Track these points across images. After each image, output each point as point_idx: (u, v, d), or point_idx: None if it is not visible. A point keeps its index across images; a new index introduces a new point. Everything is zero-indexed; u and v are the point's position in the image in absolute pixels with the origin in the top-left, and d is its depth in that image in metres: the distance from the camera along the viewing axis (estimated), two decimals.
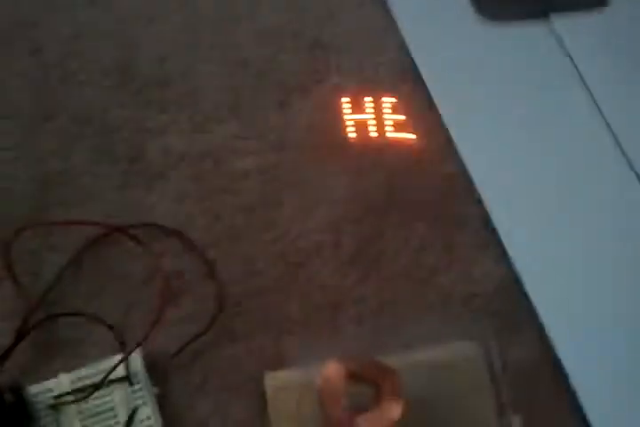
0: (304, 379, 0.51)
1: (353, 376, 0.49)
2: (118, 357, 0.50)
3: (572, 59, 0.70)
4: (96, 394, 0.49)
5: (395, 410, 0.48)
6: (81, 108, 0.63)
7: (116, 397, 0.49)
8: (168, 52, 0.66)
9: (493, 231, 0.61)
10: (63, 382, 0.50)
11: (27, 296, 0.53)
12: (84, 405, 0.49)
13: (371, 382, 0.49)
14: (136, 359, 0.50)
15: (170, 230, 0.57)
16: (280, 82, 0.66)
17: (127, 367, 0.49)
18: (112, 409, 0.49)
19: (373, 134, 0.63)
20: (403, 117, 0.63)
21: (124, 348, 0.50)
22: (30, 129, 0.61)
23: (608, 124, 0.66)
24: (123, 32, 0.67)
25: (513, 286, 0.59)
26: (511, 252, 0.60)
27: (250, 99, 0.65)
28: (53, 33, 0.66)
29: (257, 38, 0.68)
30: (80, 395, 0.49)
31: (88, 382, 0.49)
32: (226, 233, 0.58)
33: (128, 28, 0.67)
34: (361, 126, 0.63)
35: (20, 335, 0.50)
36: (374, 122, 0.64)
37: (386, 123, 0.64)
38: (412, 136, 0.63)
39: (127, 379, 0.49)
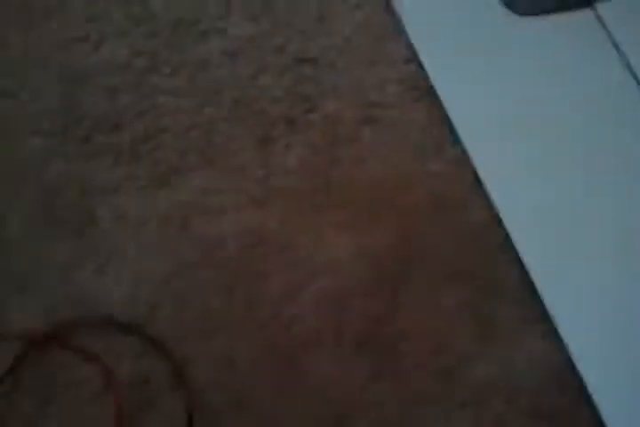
0: None
1: None
2: None
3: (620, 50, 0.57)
4: None
5: None
6: (16, 161, 0.51)
7: None
8: (120, 83, 0.54)
9: (538, 299, 0.48)
10: None
11: None
12: None
13: None
14: None
15: (126, 326, 0.46)
16: (261, 112, 0.54)
17: None
18: None
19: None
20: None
21: None
22: None
23: None
24: (64, 60, 0.55)
25: (569, 376, 0.47)
26: (563, 327, 0.47)
27: (223, 137, 0.54)
28: None
29: (230, 56, 0.56)
30: None
31: None
32: (198, 323, 0.48)
33: (70, 55, 0.55)
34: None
35: None
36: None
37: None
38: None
39: None
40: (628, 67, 0.58)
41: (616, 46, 0.59)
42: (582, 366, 0.47)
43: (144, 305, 0.48)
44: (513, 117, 0.55)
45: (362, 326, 0.49)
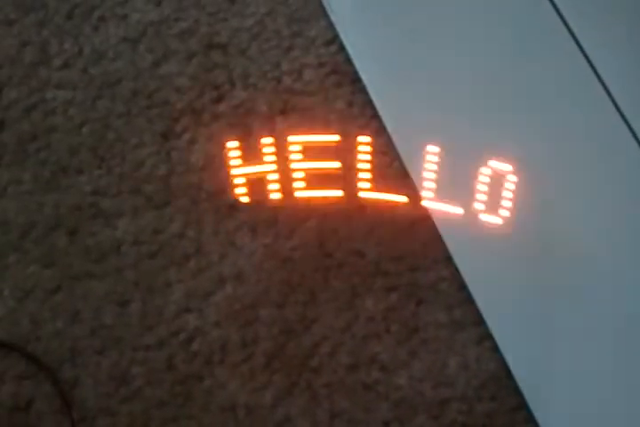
0: None
1: None
2: None
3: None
4: None
5: None
6: None
7: None
8: (5, 77, 0.54)
9: (472, 302, 0.47)
10: None
11: None
12: None
13: None
14: None
15: (7, 344, 0.46)
16: (163, 104, 0.53)
17: None
18: None
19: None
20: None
21: None
22: None
23: None
24: None
25: (504, 383, 0.46)
26: (496, 329, 0.46)
27: (120, 132, 0.53)
28: None
29: (130, 44, 0.55)
30: None
31: None
32: (87, 341, 0.47)
33: None
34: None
35: None
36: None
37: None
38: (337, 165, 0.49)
39: None
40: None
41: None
42: (517, 371, 0.46)
43: (27, 321, 0.48)
44: (438, 106, 0.54)
45: (272, 339, 0.48)
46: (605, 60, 0.55)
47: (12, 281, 0.48)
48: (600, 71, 0.55)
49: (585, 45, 0.55)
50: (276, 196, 0.50)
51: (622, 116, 0.53)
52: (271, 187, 0.50)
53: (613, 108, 0.54)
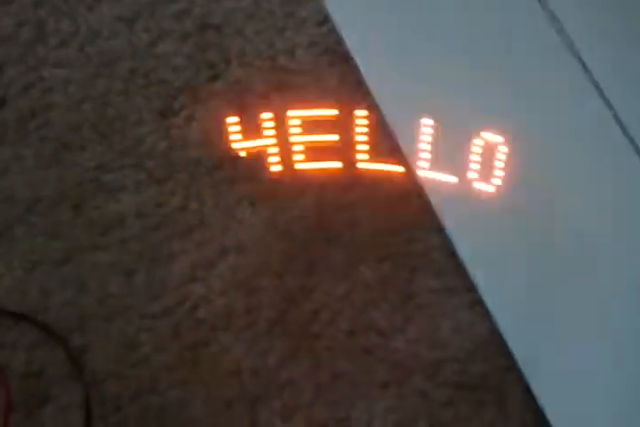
0: None
1: None
2: None
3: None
4: None
5: None
6: None
7: None
8: (4, 57, 0.56)
9: (462, 269, 0.51)
10: None
11: None
12: None
13: None
14: None
15: (18, 314, 0.49)
16: (161, 82, 0.57)
17: None
18: None
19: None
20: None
21: None
22: None
23: None
24: None
25: (496, 345, 0.49)
26: (487, 296, 0.50)
27: (119, 110, 0.56)
28: None
29: (125, 23, 0.58)
30: None
31: None
32: (95, 309, 0.50)
33: None
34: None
35: None
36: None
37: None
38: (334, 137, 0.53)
39: None
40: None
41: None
42: (507, 333, 0.50)
43: (36, 292, 0.50)
44: (428, 82, 0.57)
45: (274, 306, 0.51)
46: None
47: (19, 253, 0.51)
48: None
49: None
50: (274, 169, 0.54)
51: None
52: (270, 160, 0.54)
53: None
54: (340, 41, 0.59)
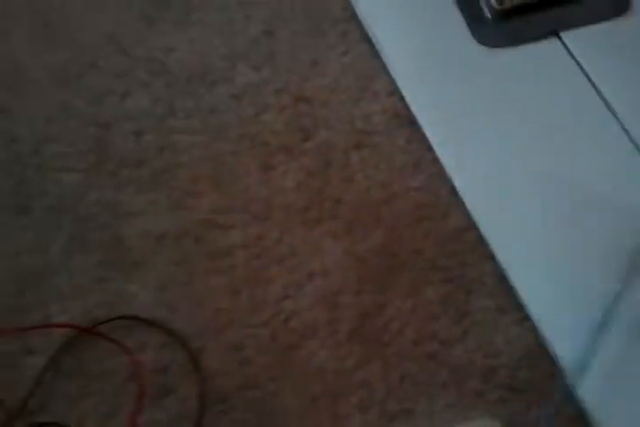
0: None
1: None
2: None
3: (589, 78, 0.64)
4: None
5: None
6: (57, 196, 0.61)
7: None
8: (143, 127, 0.64)
9: (512, 291, 0.55)
10: None
11: (6, 405, 0.50)
12: None
13: None
14: None
15: (151, 322, 0.54)
16: (263, 144, 0.63)
17: None
18: None
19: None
20: None
21: None
22: (4, 223, 0.60)
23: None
24: (96, 111, 0.65)
25: (541, 354, 0.53)
26: (534, 313, 0.54)
27: (230, 166, 0.62)
28: (26, 120, 0.65)
29: (236, 99, 0.66)
30: None
31: None
32: (210, 320, 0.55)
33: (101, 106, 0.65)
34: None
35: None
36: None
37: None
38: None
39: None
40: (596, 90, 0.65)
41: (584, 72, 0.66)
42: (553, 345, 0.53)
43: (165, 307, 0.56)
44: (481, 137, 0.63)
45: (353, 319, 0.56)
46: None
47: (152, 277, 0.57)
48: None
49: None
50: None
51: None
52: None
53: None
54: (406, 108, 0.66)
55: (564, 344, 0.53)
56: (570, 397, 0.52)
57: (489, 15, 0.69)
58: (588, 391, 0.51)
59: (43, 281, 0.57)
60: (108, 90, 0.67)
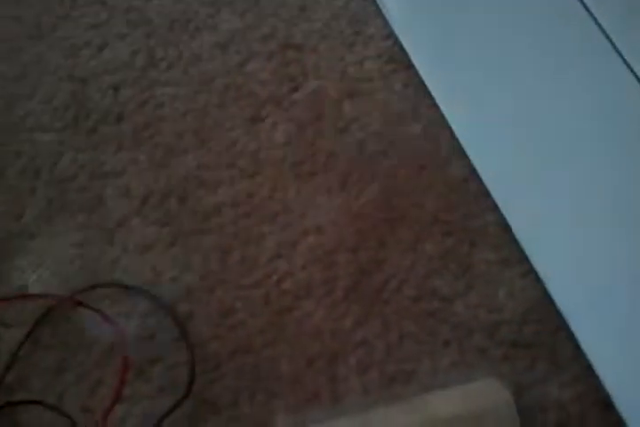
0: None
1: None
2: None
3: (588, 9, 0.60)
4: None
5: None
6: (31, 157, 0.58)
7: None
8: (122, 80, 0.61)
9: (516, 243, 0.52)
10: None
11: None
12: None
13: None
14: None
15: (134, 288, 0.52)
16: (250, 95, 0.60)
17: None
18: None
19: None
20: None
21: None
22: None
23: None
24: (72, 64, 0.62)
25: (546, 308, 0.50)
26: (539, 266, 0.51)
27: (216, 119, 0.59)
28: None
29: (220, 48, 0.62)
30: None
31: None
32: (198, 283, 0.53)
33: (77, 60, 0.62)
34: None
35: None
36: None
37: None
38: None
39: None
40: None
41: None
42: (558, 298, 0.51)
43: (148, 270, 0.54)
44: (484, 81, 0.59)
45: (349, 277, 0.53)
46: None
47: (135, 239, 0.55)
48: None
49: None
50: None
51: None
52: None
53: None
54: (402, 51, 0.62)
55: (569, 297, 0.51)
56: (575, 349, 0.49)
57: None
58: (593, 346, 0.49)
59: (18, 248, 0.55)
60: (83, 42, 0.64)
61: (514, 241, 0.53)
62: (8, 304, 0.52)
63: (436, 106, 0.59)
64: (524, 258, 0.53)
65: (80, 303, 0.52)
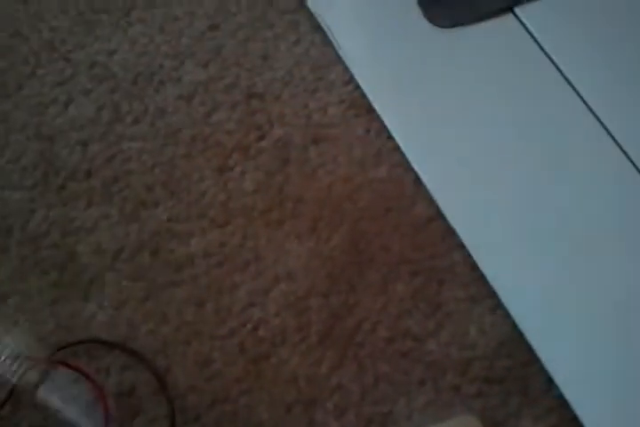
0: None
1: None
2: None
3: (545, 52, 0.64)
4: None
5: None
6: (2, 216, 0.60)
7: None
8: (89, 136, 0.63)
9: (484, 279, 0.55)
10: None
11: None
12: None
13: None
14: None
15: (111, 344, 0.54)
16: (217, 145, 0.63)
17: None
18: None
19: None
20: None
21: None
22: None
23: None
24: (38, 122, 0.64)
25: (517, 342, 0.53)
26: (507, 301, 0.54)
27: (184, 171, 0.62)
28: None
29: (185, 100, 0.65)
30: None
31: None
32: (174, 335, 0.55)
33: (43, 117, 0.64)
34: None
35: None
36: None
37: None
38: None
39: None
40: (554, 64, 0.65)
41: (540, 47, 0.66)
42: (527, 331, 0.53)
43: (124, 325, 0.56)
44: (442, 121, 0.62)
45: (323, 322, 0.55)
46: None
47: (109, 294, 0.57)
48: None
49: None
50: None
51: None
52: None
53: None
54: (363, 96, 0.65)
55: (538, 330, 0.53)
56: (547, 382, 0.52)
57: None
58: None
59: None
60: (49, 100, 0.66)
61: (481, 277, 0.56)
62: None
63: (398, 148, 0.62)
64: (492, 294, 0.55)
65: (59, 362, 0.53)
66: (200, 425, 0.52)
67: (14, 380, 0.51)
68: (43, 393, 0.51)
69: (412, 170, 0.61)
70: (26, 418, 0.52)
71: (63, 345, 0.54)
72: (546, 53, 0.65)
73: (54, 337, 0.55)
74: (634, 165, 0.59)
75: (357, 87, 0.66)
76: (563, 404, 0.51)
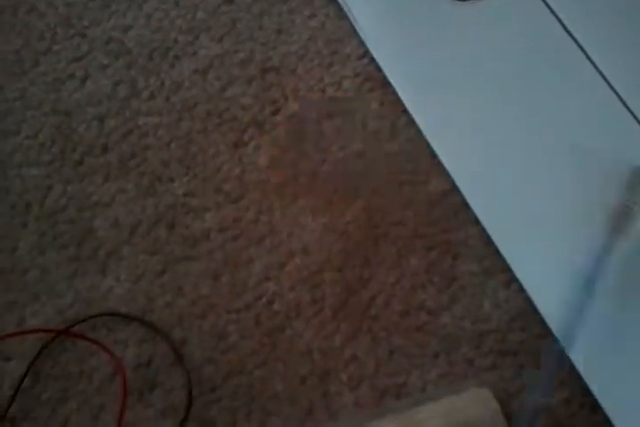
0: None
1: None
2: None
3: (563, 24, 0.64)
4: None
5: None
6: (20, 192, 0.62)
7: None
8: (106, 111, 0.65)
9: (498, 253, 0.56)
10: None
11: None
12: None
13: None
14: None
15: (128, 316, 0.56)
16: (232, 120, 0.64)
17: None
18: None
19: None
20: None
21: None
22: None
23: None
24: (55, 98, 0.65)
25: (530, 316, 0.54)
26: (521, 275, 0.55)
27: (200, 146, 0.63)
28: None
29: (201, 75, 0.66)
30: None
31: None
32: (190, 308, 0.57)
33: (60, 93, 0.66)
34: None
35: None
36: None
37: None
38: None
39: None
40: (574, 39, 0.65)
41: (558, 20, 0.66)
42: (541, 305, 0.54)
43: (142, 298, 0.57)
44: (457, 95, 0.63)
45: (337, 296, 0.57)
46: None
47: (126, 268, 0.58)
48: None
49: None
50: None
51: None
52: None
53: None
54: (378, 69, 0.66)
55: (552, 304, 0.54)
56: (562, 358, 0.53)
57: None
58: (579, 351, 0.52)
59: (13, 282, 0.58)
60: (66, 75, 0.68)
61: (496, 252, 0.57)
62: (7, 339, 0.55)
63: (413, 122, 0.63)
64: (506, 268, 0.56)
65: (77, 334, 0.55)
66: (216, 396, 0.54)
67: None
68: None
69: (427, 144, 0.62)
70: (46, 389, 0.54)
71: (82, 318, 0.56)
72: (565, 28, 0.65)
73: (73, 310, 0.57)
74: None
75: (372, 61, 0.66)
76: (576, 376, 0.52)
